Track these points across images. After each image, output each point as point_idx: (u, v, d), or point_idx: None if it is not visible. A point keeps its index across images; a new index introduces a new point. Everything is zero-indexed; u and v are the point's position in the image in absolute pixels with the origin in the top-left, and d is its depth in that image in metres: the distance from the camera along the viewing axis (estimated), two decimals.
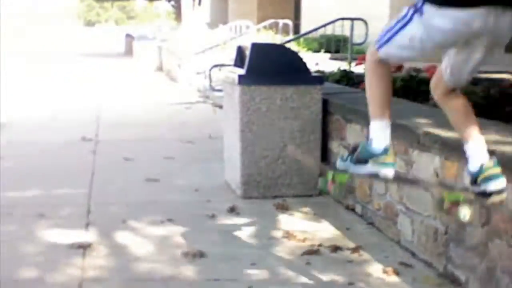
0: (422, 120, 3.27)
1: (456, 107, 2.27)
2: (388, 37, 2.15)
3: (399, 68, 5.15)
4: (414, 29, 2.08)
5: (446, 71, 2.22)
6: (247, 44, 4.18)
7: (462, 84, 2.27)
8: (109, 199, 3.95)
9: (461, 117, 2.27)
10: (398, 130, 3.21)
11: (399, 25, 2.12)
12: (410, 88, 4.74)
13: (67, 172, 4.62)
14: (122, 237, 3.26)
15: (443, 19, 1.99)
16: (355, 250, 3.08)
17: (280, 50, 4.29)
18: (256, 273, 2.81)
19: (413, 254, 3.03)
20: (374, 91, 2.30)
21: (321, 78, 4.32)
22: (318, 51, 11.37)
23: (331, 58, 10.02)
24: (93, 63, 17.16)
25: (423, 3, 2.03)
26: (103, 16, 69.06)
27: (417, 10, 2.06)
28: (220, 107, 8.21)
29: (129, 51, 21.05)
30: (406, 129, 3.13)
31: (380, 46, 2.18)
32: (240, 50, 4.31)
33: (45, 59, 18.41)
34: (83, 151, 5.30)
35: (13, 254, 2.97)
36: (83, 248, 3.04)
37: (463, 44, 2.10)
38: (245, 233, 3.36)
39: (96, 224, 3.43)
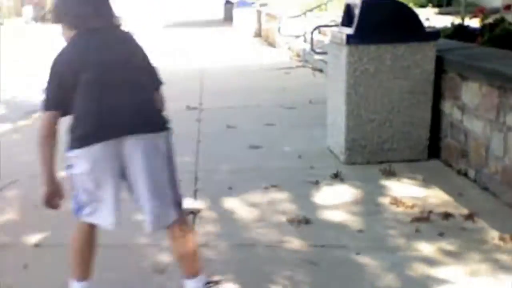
0: None
1: None
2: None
3: None
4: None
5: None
6: (356, 1, 3.99)
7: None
8: (215, 167, 4.02)
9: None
10: None
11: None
12: None
13: (174, 141, 4.74)
14: (229, 203, 3.31)
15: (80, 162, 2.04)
16: (468, 216, 2.91)
17: (392, 5, 4.04)
18: (364, 240, 2.74)
19: None
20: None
21: (436, 33, 4.06)
22: (425, 6, 10.76)
23: (440, 13, 9.45)
24: (192, 32, 17.44)
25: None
26: None
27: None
28: (320, 70, 8.07)
29: (228, 18, 21.19)
30: None
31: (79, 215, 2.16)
32: (348, 8, 4.09)
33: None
34: (189, 120, 5.41)
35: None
36: (193, 214, 3.12)
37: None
38: (350, 200, 3.28)
39: (204, 191, 3.51)
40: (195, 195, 3.45)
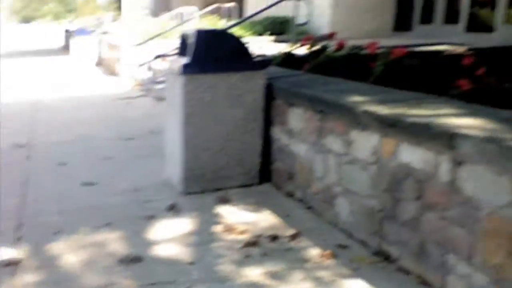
0: (361, 98, 3.21)
1: None
2: None
3: (341, 45, 5.10)
4: None
5: None
6: (190, 31, 4.00)
7: None
8: (43, 209, 3.73)
9: None
10: (338, 110, 3.16)
11: None
12: (351, 66, 4.70)
13: None
14: (55, 248, 3.07)
15: None
16: (293, 237, 3.03)
17: (223, 36, 4.14)
18: (195, 273, 2.70)
19: (350, 235, 3.02)
20: None
21: (263, 62, 4.19)
22: (261, 34, 11.25)
23: (276, 41, 9.94)
24: (29, 61, 16.52)
25: None
26: (41, 12, 66.73)
27: None
28: (163, 99, 8.03)
29: (68, 47, 20.39)
30: (346, 108, 3.07)
31: None
32: (183, 38, 4.11)
33: None
34: (16, 158, 5.02)
35: None
36: (13, 265, 2.85)
37: None
38: (185, 231, 3.23)
39: (28, 238, 3.22)
40: (17, 244, 3.15)
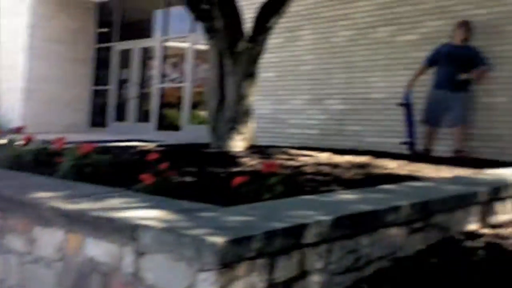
0: (46, 194, 3.11)
1: None
2: None
3: (29, 140, 4.91)
4: None
5: None
6: None
7: None
8: None
9: None
10: (20, 208, 2.99)
11: None
12: (40, 160, 4.56)
13: None
14: None
15: None
16: None
17: None
18: None
19: None
20: None
21: None
22: None
23: None
24: None
25: None
26: None
27: None
28: None
29: None
30: (28, 205, 2.92)
31: None
32: None
33: None
34: None
35: None
36: None
37: None
38: None
39: None
40: None
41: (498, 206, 3.74)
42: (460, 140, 6.51)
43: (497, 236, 3.35)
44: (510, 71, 6.50)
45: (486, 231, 3.46)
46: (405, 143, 6.58)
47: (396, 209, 2.93)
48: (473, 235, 3.34)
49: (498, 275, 2.64)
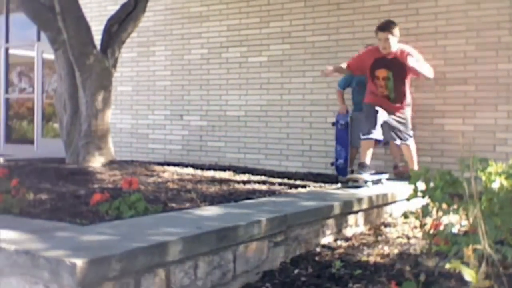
0: None
1: None
2: None
3: None
4: None
5: None
6: None
7: None
8: None
9: None
10: None
11: None
12: None
13: None
14: None
15: None
16: None
17: None
18: None
19: None
20: None
21: None
22: None
23: None
24: None
25: None
26: None
27: None
28: None
29: None
30: None
31: None
32: None
33: None
34: None
35: None
36: None
37: None
38: None
39: None
40: None
41: (350, 219, 4.01)
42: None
43: (351, 247, 3.59)
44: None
45: (340, 243, 3.70)
46: (333, 164, 6.16)
47: (257, 223, 3.01)
48: (330, 248, 3.55)
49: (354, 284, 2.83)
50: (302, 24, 7.18)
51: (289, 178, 5.61)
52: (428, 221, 3.35)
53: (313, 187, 5.01)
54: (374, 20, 6.36)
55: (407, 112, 5.39)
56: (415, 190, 3.24)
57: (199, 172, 5.69)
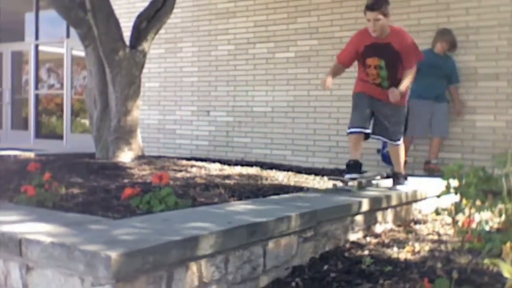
0: None
1: None
2: None
3: None
4: None
5: None
6: None
7: None
8: None
9: None
10: None
11: None
12: None
13: None
14: None
15: None
16: None
17: None
18: None
19: None
20: None
21: None
22: None
23: None
24: None
25: None
26: None
27: None
28: None
29: None
30: None
31: None
32: None
33: None
34: None
35: None
36: None
37: None
38: None
39: None
40: None
41: (380, 215, 3.99)
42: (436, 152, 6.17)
43: (380, 244, 3.56)
44: None
45: (370, 239, 3.67)
46: (379, 151, 6.07)
47: (287, 218, 3.01)
48: (359, 244, 3.53)
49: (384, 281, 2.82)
50: (330, 19, 7.14)
51: (316, 174, 5.59)
52: (460, 218, 3.30)
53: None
54: (404, 16, 6.29)
55: (402, 107, 4.60)
56: (448, 187, 3.20)
57: (226, 167, 5.71)
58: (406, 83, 4.37)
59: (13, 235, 2.34)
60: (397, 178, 4.68)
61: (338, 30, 7.04)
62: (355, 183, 4.28)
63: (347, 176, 4.33)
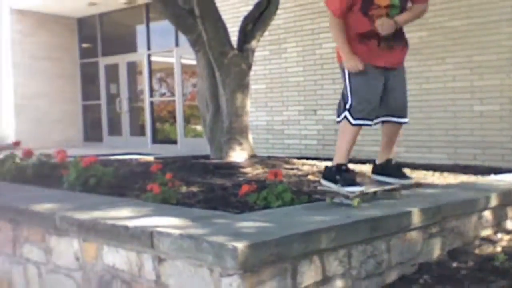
0: (56, 205, 3.07)
1: None
2: None
3: (29, 154, 4.85)
4: None
5: None
6: None
7: None
8: None
9: None
10: (33, 219, 2.95)
11: None
12: (42, 174, 4.51)
13: None
14: None
15: None
16: None
17: None
18: None
19: None
20: None
21: None
22: None
23: None
24: None
25: None
26: None
27: None
28: None
29: None
30: (41, 215, 2.88)
31: None
32: None
33: None
34: None
35: None
36: None
37: None
38: None
39: None
40: None
41: (511, 211, 3.74)
42: None
43: None
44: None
45: (501, 236, 3.46)
46: None
47: (409, 214, 2.91)
48: (490, 240, 3.34)
49: None
50: (440, 8, 6.85)
51: (434, 170, 5.37)
52: None
53: (461, 177, 4.74)
54: None
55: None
56: None
57: None
58: (406, 17, 3.35)
59: (145, 228, 2.46)
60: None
61: (447, 20, 6.74)
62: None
63: (355, 188, 3.14)
